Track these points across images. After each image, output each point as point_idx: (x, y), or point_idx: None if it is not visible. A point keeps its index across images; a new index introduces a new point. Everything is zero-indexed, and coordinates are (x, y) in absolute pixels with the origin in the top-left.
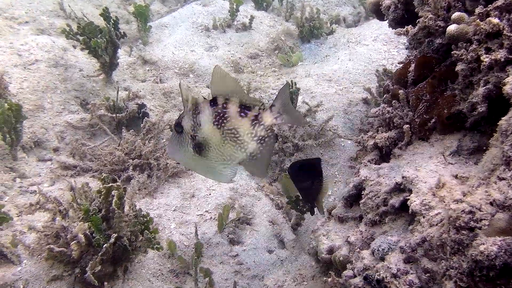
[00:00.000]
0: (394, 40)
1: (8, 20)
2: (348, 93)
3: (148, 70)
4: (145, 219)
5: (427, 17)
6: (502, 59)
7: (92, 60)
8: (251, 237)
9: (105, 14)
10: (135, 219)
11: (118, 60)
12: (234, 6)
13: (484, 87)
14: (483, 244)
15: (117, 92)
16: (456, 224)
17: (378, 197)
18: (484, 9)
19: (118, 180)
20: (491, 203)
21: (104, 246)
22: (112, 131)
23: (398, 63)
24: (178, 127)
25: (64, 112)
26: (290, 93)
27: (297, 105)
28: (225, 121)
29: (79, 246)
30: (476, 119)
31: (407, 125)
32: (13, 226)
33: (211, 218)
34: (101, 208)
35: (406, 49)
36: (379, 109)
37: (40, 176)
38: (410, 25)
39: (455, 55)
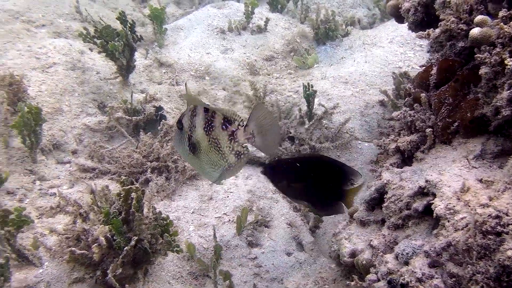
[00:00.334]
0: (410, 42)
1: (25, 23)
2: (365, 95)
3: (164, 72)
4: (165, 221)
5: (449, 20)
6: None
7: (109, 63)
8: (270, 239)
9: (122, 18)
10: (155, 221)
11: (135, 63)
12: (249, 9)
13: (509, 91)
14: (511, 249)
15: (131, 95)
16: (483, 229)
17: (401, 200)
18: (508, 12)
19: (135, 182)
20: None
21: (125, 249)
22: (130, 133)
23: (420, 66)
24: (179, 124)
25: (82, 114)
26: (307, 95)
27: (314, 107)
28: (211, 129)
29: (100, 248)
30: (500, 123)
31: (430, 129)
32: (34, 228)
33: (229, 220)
34: (121, 211)
35: (428, 52)
36: (400, 113)
37: (59, 178)
38: (432, 28)
39: (479, 59)
